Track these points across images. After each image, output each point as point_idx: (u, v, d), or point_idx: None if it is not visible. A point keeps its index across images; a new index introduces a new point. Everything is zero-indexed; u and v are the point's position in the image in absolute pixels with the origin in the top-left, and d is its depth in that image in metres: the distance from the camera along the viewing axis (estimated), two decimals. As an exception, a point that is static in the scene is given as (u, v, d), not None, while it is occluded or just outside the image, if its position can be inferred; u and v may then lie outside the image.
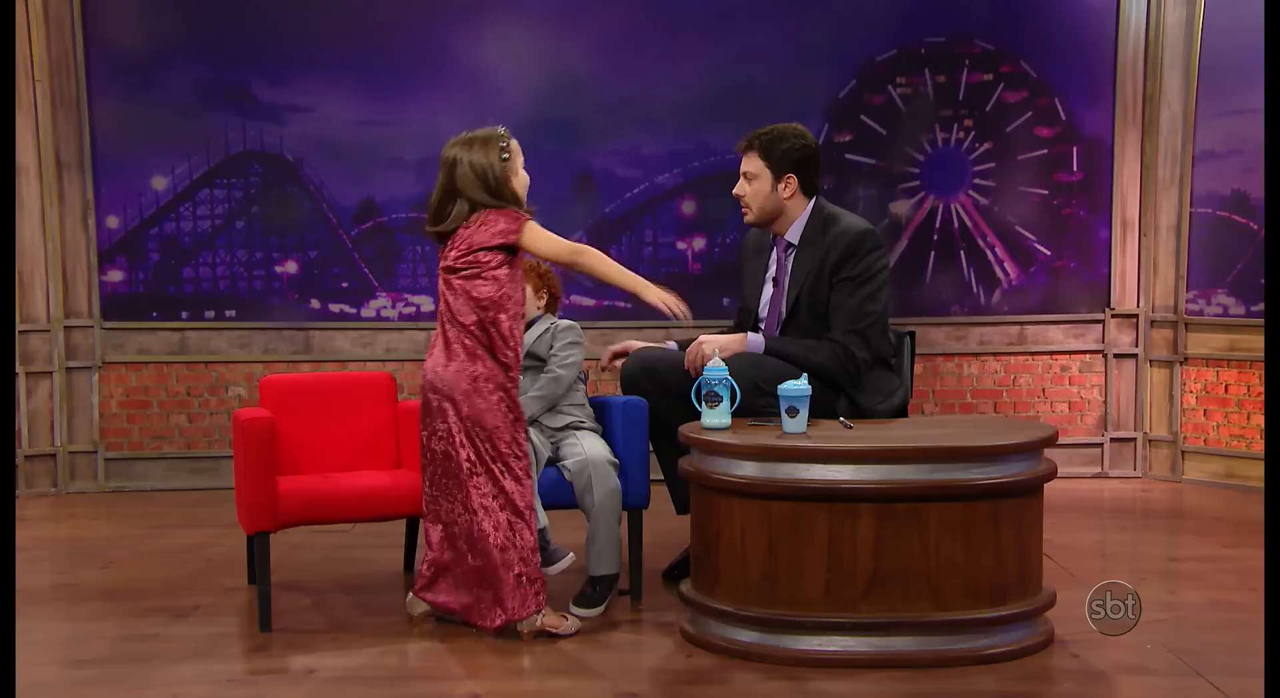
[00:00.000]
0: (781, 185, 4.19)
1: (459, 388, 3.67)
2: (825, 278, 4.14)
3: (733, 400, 3.75)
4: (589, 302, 6.27)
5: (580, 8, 6.32)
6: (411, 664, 3.54)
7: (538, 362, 4.15)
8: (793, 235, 4.24)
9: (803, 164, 4.21)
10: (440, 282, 3.76)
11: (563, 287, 4.41)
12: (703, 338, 4.11)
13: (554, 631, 3.68)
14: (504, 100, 6.32)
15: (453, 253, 3.71)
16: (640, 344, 4.34)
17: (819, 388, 3.87)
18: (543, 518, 3.86)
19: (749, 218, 4.27)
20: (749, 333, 4.20)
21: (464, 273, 3.69)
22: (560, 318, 4.30)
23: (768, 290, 4.31)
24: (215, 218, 6.36)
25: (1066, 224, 6.47)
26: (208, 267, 6.38)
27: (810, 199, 4.25)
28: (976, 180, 6.43)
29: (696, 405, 3.76)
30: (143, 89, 6.27)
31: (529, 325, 4.16)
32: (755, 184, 4.20)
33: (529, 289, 4.11)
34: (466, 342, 3.68)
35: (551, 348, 4.17)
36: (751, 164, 4.20)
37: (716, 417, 3.73)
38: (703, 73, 6.33)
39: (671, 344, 4.35)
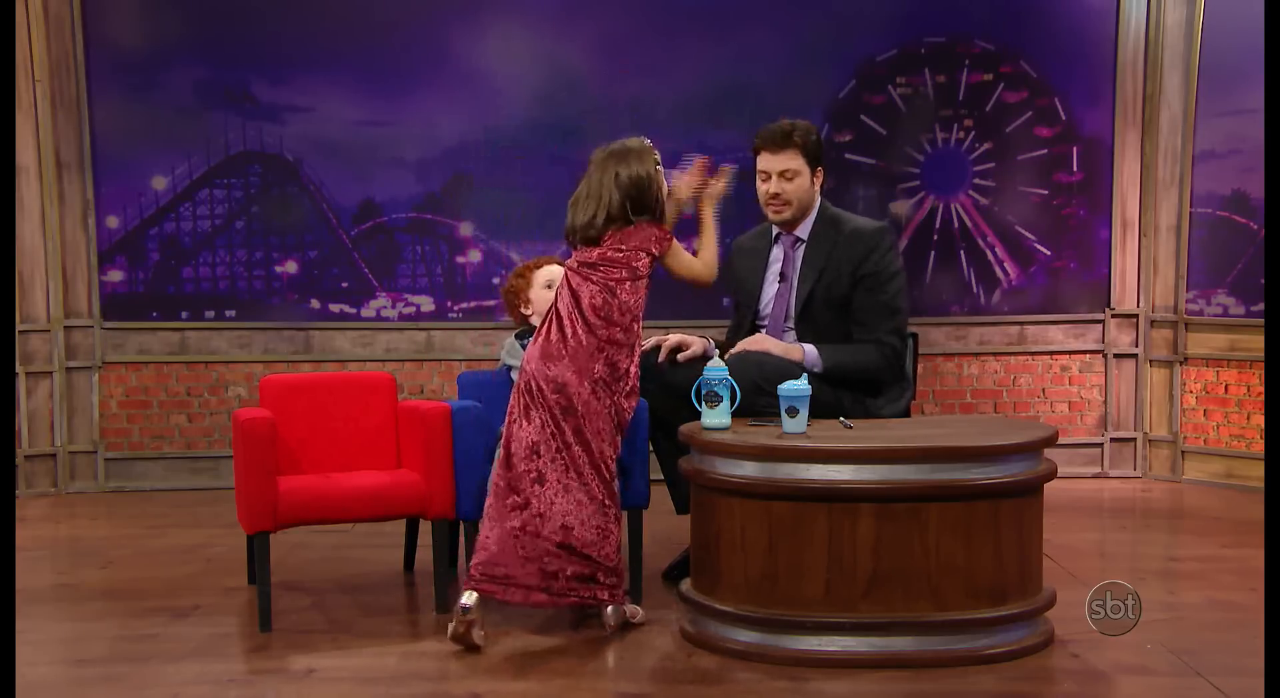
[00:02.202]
0: (815, 179, 4.26)
1: (580, 391, 3.71)
2: (845, 275, 4.16)
3: (733, 400, 3.75)
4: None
5: (580, 8, 6.32)
6: (411, 664, 3.53)
7: None
8: (802, 231, 4.27)
9: (824, 157, 4.31)
10: (573, 278, 3.79)
11: None
12: (762, 337, 4.13)
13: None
14: (504, 100, 6.33)
15: (601, 249, 3.77)
16: (696, 340, 4.20)
17: (849, 391, 3.99)
18: None
19: (785, 215, 4.25)
20: (804, 345, 4.14)
21: (617, 274, 3.75)
22: None
23: (772, 287, 4.31)
24: (215, 218, 6.36)
25: (1066, 224, 6.47)
26: (208, 267, 6.38)
27: (819, 196, 4.31)
28: (976, 180, 6.43)
29: (696, 405, 3.76)
30: (143, 89, 6.27)
31: None
32: (798, 180, 4.21)
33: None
34: (594, 342, 3.73)
35: None
36: (793, 161, 4.20)
37: (716, 417, 3.73)
38: (702, 73, 6.33)
39: (713, 345, 4.29)
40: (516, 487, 3.69)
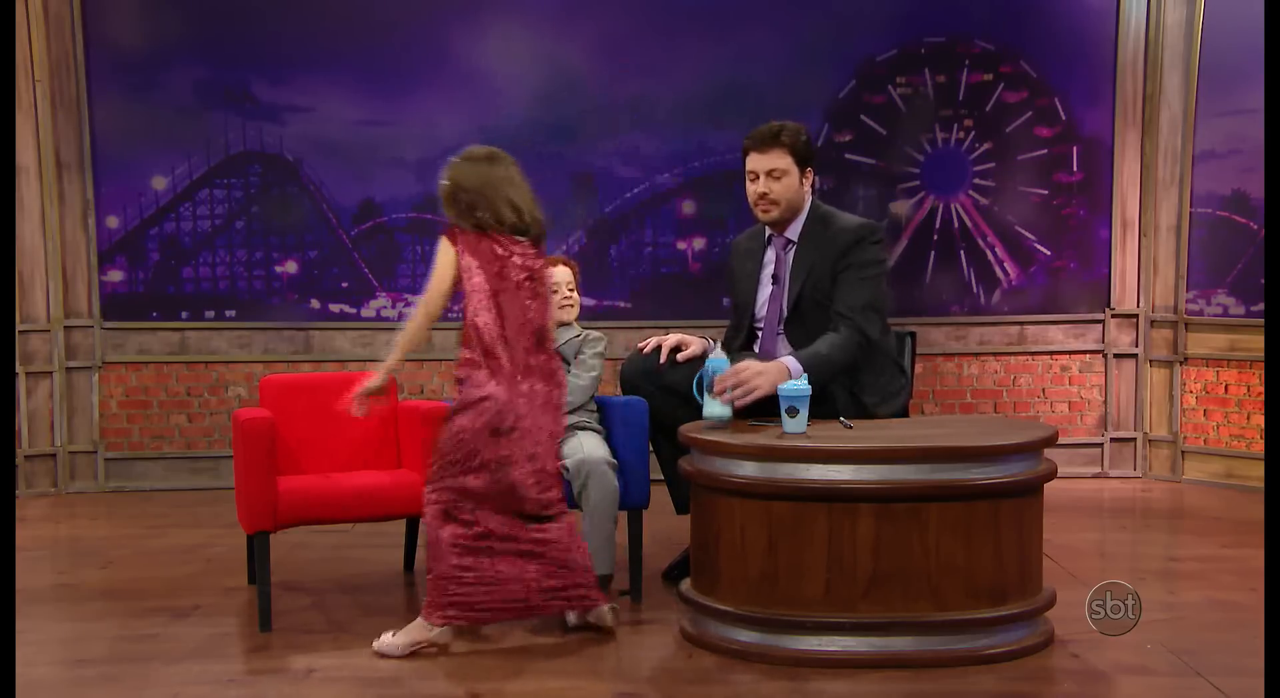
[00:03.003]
0: (805, 179, 4.23)
1: (547, 411, 3.64)
2: (829, 269, 4.14)
3: None
4: (589, 301, 6.27)
5: (580, 8, 6.32)
6: (411, 664, 3.53)
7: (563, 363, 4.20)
8: (793, 232, 4.25)
9: (814, 157, 4.28)
10: (500, 297, 3.61)
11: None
12: (752, 370, 3.85)
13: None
14: (504, 100, 6.33)
15: (526, 259, 3.65)
16: (695, 340, 4.21)
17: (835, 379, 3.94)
18: None
19: (773, 215, 4.21)
20: (787, 360, 3.95)
21: (538, 287, 3.66)
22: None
23: (766, 289, 4.30)
24: (215, 218, 6.36)
25: (1066, 224, 6.47)
26: (208, 267, 6.39)
27: (810, 196, 4.28)
28: (976, 180, 6.43)
29: (697, 397, 3.75)
30: (143, 89, 6.28)
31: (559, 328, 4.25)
32: (786, 179, 4.18)
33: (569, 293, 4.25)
34: (556, 360, 3.70)
35: (580, 353, 4.21)
36: (781, 160, 4.17)
37: (718, 407, 3.72)
38: (702, 73, 6.33)
39: (713, 344, 4.29)
40: (482, 517, 3.57)
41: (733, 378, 3.80)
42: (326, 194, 6.37)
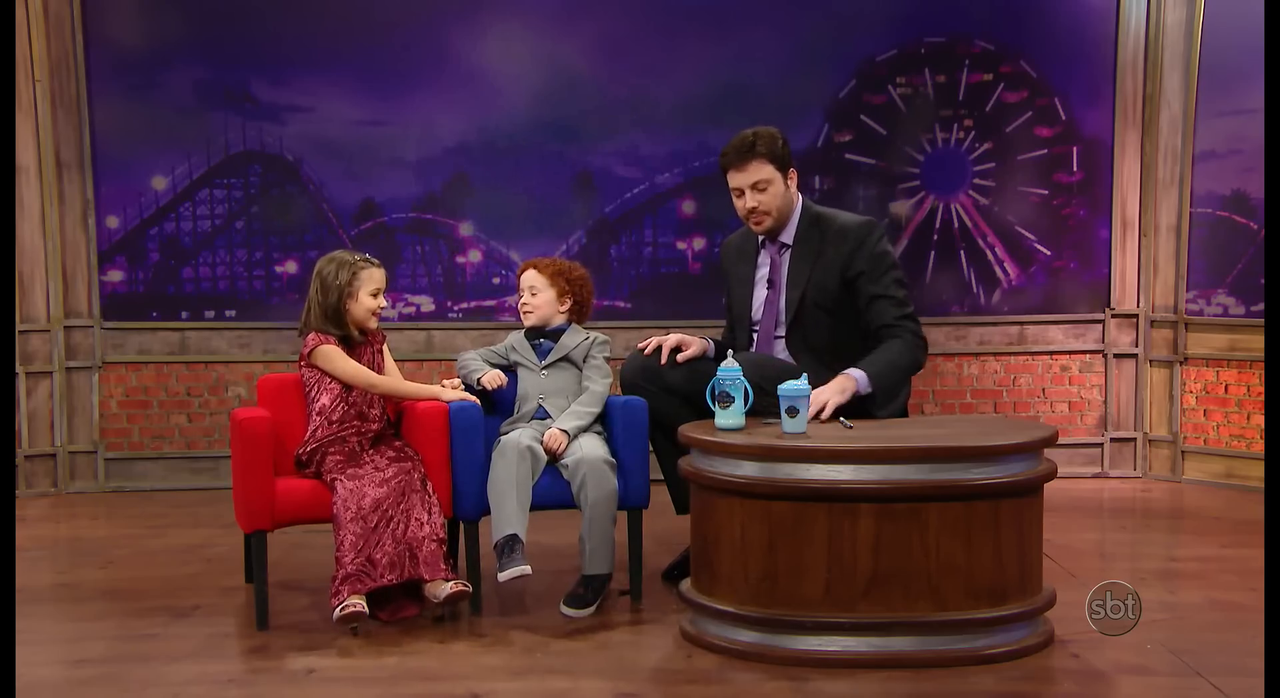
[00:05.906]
0: (789, 182, 4.19)
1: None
2: (834, 275, 4.11)
3: (746, 400, 3.70)
4: (589, 302, 6.26)
5: (580, 8, 6.32)
6: (411, 664, 3.54)
7: (570, 364, 4.21)
8: (787, 236, 4.22)
9: (792, 157, 4.23)
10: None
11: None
12: (820, 392, 3.85)
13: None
14: (504, 100, 6.33)
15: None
16: (695, 340, 4.22)
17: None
18: (513, 526, 3.87)
19: (766, 225, 4.17)
20: (852, 372, 3.95)
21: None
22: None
23: (761, 293, 4.27)
24: (215, 218, 6.36)
25: (1066, 224, 6.47)
26: (208, 267, 6.39)
27: (799, 196, 4.26)
28: (976, 180, 6.43)
29: (710, 406, 3.72)
30: (143, 89, 6.28)
31: (559, 330, 4.25)
32: (772, 189, 4.13)
33: (553, 294, 4.26)
34: None
35: (590, 356, 4.21)
36: (762, 171, 4.12)
37: (730, 417, 3.68)
38: (702, 73, 6.33)
39: (710, 343, 4.30)
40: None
41: (811, 409, 3.74)
42: (326, 194, 6.37)
